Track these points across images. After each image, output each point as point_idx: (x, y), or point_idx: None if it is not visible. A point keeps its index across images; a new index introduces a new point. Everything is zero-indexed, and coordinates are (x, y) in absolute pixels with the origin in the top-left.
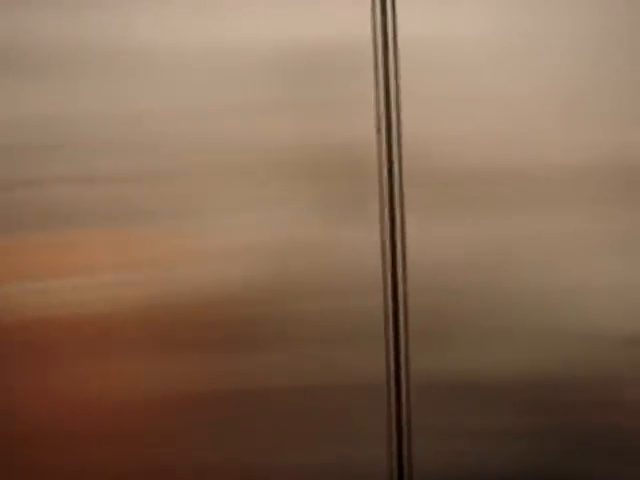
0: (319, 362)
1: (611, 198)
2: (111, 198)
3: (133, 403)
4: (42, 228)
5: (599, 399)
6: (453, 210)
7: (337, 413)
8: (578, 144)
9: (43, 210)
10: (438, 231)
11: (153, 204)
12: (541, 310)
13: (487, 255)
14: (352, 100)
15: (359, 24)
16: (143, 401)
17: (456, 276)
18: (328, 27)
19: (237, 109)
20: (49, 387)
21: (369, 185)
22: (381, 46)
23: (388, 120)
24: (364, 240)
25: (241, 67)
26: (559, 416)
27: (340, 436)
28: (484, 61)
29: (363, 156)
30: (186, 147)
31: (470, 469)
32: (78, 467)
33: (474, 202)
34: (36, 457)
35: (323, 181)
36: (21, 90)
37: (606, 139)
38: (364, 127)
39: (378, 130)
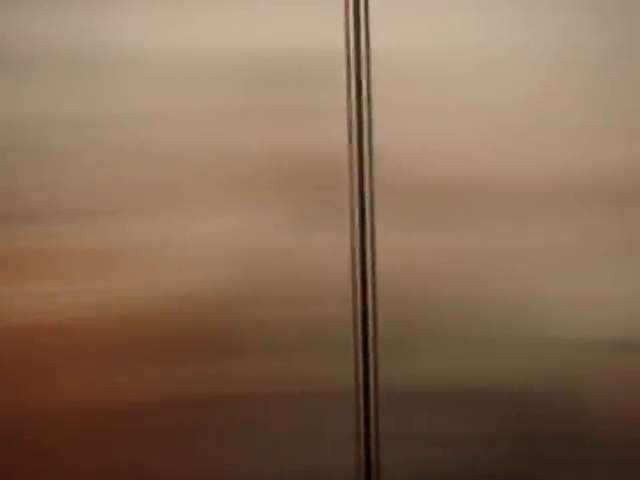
0: (289, 369)
1: (584, 210)
2: (87, 203)
3: (107, 409)
4: (20, 234)
5: (570, 408)
6: (423, 220)
7: (306, 420)
8: (550, 157)
9: (22, 215)
10: (408, 240)
11: (126, 210)
12: (509, 320)
13: (456, 265)
14: (325, 109)
15: (332, 33)
16: (114, 407)
17: (425, 285)
18: (302, 36)
19: (209, 116)
20: (25, 393)
21: (340, 193)
22: (354, 56)
23: (360, 129)
24: (335, 248)
25: (215, 75)
26: (527, 425)
27: (308, 443)
28: (456, 73)
29: (335, 165)
30: (158, 154)
31: (437, 477)
32: (53, 471)
33: (444, 212)
34: (14, 461)
35: (294, 189)
36: (8, 90)
37: (580, 152)
38: (336, 136)
39: (350, 140)
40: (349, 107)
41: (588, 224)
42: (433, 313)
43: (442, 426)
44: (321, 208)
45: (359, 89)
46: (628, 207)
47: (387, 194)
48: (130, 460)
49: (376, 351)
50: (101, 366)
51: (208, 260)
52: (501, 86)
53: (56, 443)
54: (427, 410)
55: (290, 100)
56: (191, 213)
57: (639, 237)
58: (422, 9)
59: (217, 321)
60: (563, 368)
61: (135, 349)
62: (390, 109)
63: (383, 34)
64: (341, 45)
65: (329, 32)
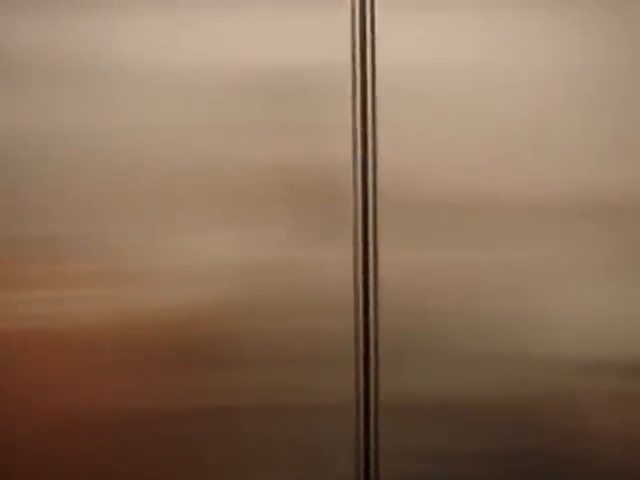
0: (290, 381)
1: (585, 227)
2: (85, 212)
3: (107, 419)
4: (15, 241)
5: (566, 424)
6: (425, 234)
7: (306, 432)
8: (552, 174)
9: (18, 222)
10: (410, 254)
11: (127, 220)
12: (510, 335)
13: (457, 280)
14: (330, 124)
15: (338, 50)
16: (108, 416)
17: (427, 299)
18: (308, 52)
19: (214, 131)
20: (23, 399)
21: (344, 208)
22: (359, 72)
23: (364, 145)
24: (338, 261)
25: (220, 90)
26: (526, 440)
27: (308, 455)
28: (460, 90)
29: (339, 179)
30: (162, 165)
31: None
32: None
33: (446, 227)
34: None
35: (298, 202)
36: (8, 100)
37: (582, 169)
38: (341, 151)
39: (354, 155)
40: (354, 123)
41: (589, 241)
42: (434, 327)
43: (441, 440)
44: (324, 222)
45: (364, 105)
46: (628, 224)
47: (390, 209)
48: (128, 469)
49: (377, 364)
50: (101, 376)
51: (211, 272)
52: (504, 104)
53: (55, 450)
54: (427, 424)
55: (295, 115)
56: (194, 225)
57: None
58: (427, 27)
59: (219, 333)
60: (564, 385)
61: (135, 360)
62: (394, 125)
63: (388, 51)
64: (347, 61)
65: (335, 48)
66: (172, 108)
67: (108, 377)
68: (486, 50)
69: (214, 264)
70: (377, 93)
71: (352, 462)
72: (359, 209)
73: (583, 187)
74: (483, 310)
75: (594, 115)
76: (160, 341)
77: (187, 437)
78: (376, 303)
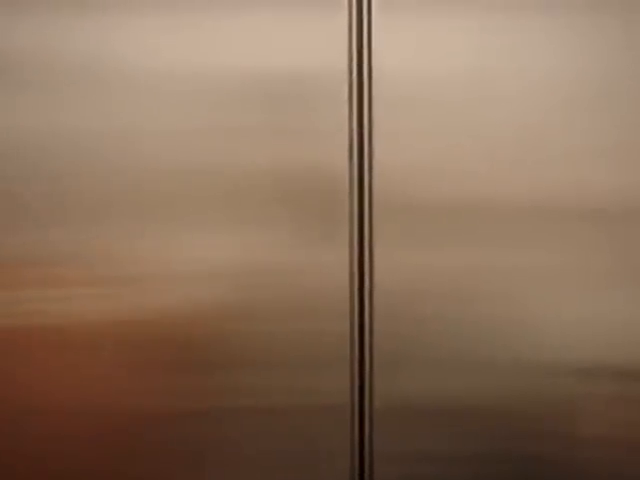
0: (286, 383)
1: (579, 233)
2: (85, 214)
3: (99, 418)
4: (15, 243)
5: (562, 430)
6: (421, 239)
7: (300, 434)
8: (549, 180)
9: (16, 222)
10: (406, 259)
11: (125, 222)
12: (505, 340)
13: (453, 284)
14: (327, 129)
15: (335, 55)
16: (108, 417)
17: (422, 304)
18: (305, 57)
19: (211, 135)
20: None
21: (340, 212)
22: (356, 77)
23: (360, 149)
24: (334, 265)
25: (218, 92)
26: (521, 445)
27: (302, 458)
28: (459, 96)
29: (336, 183)
30: (161, 168)
31: None
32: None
33: (442, 232)
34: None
35: (295, 206)
36: (7, 102)
37: (579, 175)
38: (337, 155)
39: (350, 159)
40: (350, 127)
41: (587, 246)
42: (430, 331)
43: (436, 444)
44: (321, 225)
45: (361, 110)
46: (627, 230)
47: (386, 213)
48: (126, 469)
49: (372, 368)
50: (100, 377)
51: (207, 275)
52: (502, 109)
53: (55, 451)
54: (422, 428)
55: (293, 119)
56: (191, 228)
57: (637, 261)
58: (424, 32)
59: (216, 335)
60: (560, 390)
61: (133, 361)
62: (391, 130)
63: (385, 56)
64: (344, 66)
65: (332, 53)
66: (171, 111)
67: (107, 378)
68: (484, 55)
69: (211, 267)
70: (374, 98)
71: (348, 465)
72: (355, 213)
73: (580, 192)
74: (479, 315)
75: (593, 120)
76: (158, 343)
77: (183, 438)
78: (371, 307)
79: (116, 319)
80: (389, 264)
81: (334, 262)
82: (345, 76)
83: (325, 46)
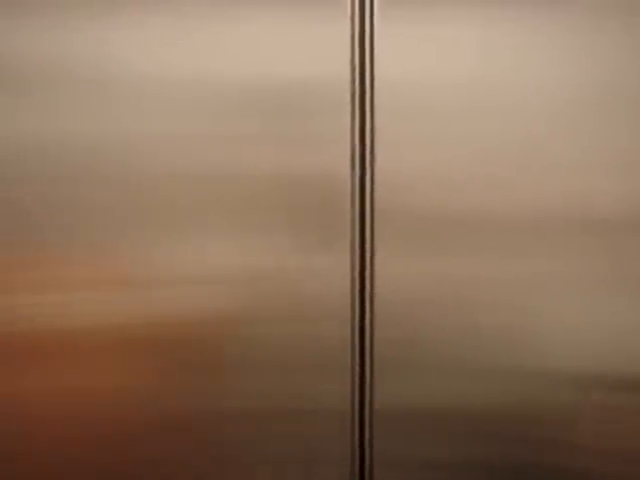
0: (284, 389)
1: (582, 242)
2: (88, 219)
3: (99, 419)
4: (20, 244)
5: (561, 437)
6: (422, 247)
7: (300, 438)
8: (550, 189)
9: (21, 227)
10: (407, 266)
11: (124, 227)
12: (504, 347)
13: (453, 292)
14: (328, 137)
15: (338, 63)
16: (107, 418)
17: (422, 310)
18: (307, 65)
19: (213, 142)
20: (22, 398)
21: (341, 219)
22: (358, 86)
23: (362, 158)
24: (334, 271)
25: (220, 100)
26: (520, 452)
27: (301, 461)
28: (460, 104)
29: (336, 191)
30: (163, 174)
31: None
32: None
33: (443, 240)
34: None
35: (296, 213)
36: (7, 108)
37: (579, 185)
38: (339, 163)
39: (352, 167)
40: (352, 135)
41: (588, 255)
42: (430, 338)
43: (435, 450)
44: (322, 232)
45: (362, 118)
46: (628, 239)
47: (388, 220)
48: (124, 470)
49: (372, 373)
50: (102, 380)
51: (208, 280)
52: (504, 118)
53: (62, 455)
54: (421, 434)
55: (294, 127)
56: (192, 235)
57: (636, 270)
58: (427, 41)
59: (216, 339)
60: (559, 398)
61: (133, 364)
62: (392, 138)
63: (388, 65)
64: (346, 75)
65: (334, 62)
66: (173, 118)
67: (107, 382)
68: (486, 64)
69: (212, 272)
70: (376, 106)
71: (348, 470)
72: (356, 220)
73: (583, 201)
74: (479, 322)
75: (596, 129)
76: (157, 347)
77: (177, 439)
78: (372, 313)
79: (114, 323)
80: (390, 271)
81: (335, 268)
82: (347, 85)
83: (327, 54)
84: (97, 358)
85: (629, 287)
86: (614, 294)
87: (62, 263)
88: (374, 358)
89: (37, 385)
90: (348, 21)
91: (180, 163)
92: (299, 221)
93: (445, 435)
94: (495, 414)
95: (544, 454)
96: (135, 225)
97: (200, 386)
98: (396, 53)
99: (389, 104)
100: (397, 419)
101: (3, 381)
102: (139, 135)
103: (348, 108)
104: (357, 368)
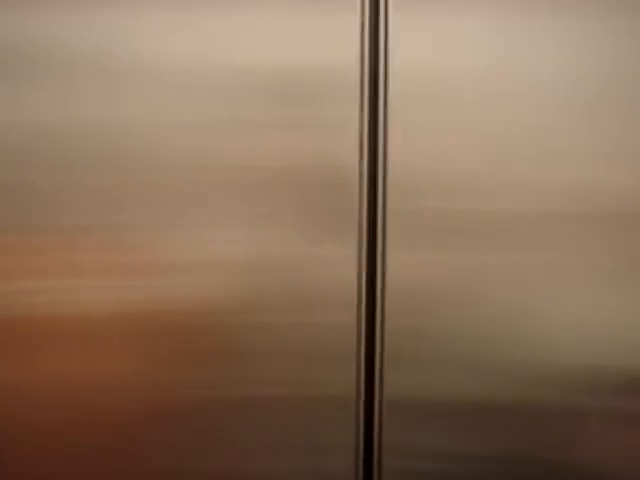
0: (291, 375)
1: (589, 234)
2: (96, 205)
3: (103, 408)
4: (28, 230)
5: (569, 429)
6: (433, 236)
7: (306, 426)
8: (562, 179)
9: (29, 212)
10: (416, 255)
11: (136, 214)
12: (513, 338)
13: (463, 281)
14: (338, 123)
15: (349, 50)
16: (111, 406)
17: (432, 301)
18: (319, 51)
19: (221, 129)
20: (27, 385)
21: (350, 206)
22: (369, 72)
23: (373, 144)
24: (342, 259)
25: (229, 87)
26: (530, 443)
27: (307, 448)
28: (473, 94)
29: (346, 178)
30: (170, 161)
31: None
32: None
33: (455, 230)
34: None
35: (304, 199)
36: (11, 94)
37: (589, 177)
38: (349, 151)
39: (361, 155)
40: (361, 122)
41: (600, 247)
42: (439, 328)
43: (445, 440)
44: (330, 220)
45: (374, 106)
46: (633, 230)
47: (397, 210)
48: (130, 460)
49: (382, 363)
50: (103, 367)
51: (215, 267)
52: (516, 107)
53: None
54: (430, 422)
55: (304, 114)
56: (200, 221)
57: None
58: (439, 28)
59: (222, 326)
60: (568, 389)
61: (135, 352)
62: (403, 126)
63: (399, 52)
64: (357, 62)
65: (346, 49)
66: (180, 105)
67: (112, 370)
68: (499, 53)
69: (218, 259)
70: (388, 94)
71: (353, 457)
72: (364, 208)
73: (595, 193)
74: (490, 312)
75: (611, 119)
76: (163, 335)
77: (184, 428)
78: (383, 302)
79: (117, 311)
80: (399, 259)
81: (343, 257)
82: (358, 71)
83: (339, 41)
84: (99, 345)
85: (638, 279)
86: (625, 286)
87: (64, 249)
88: (384, 348)
89: (39, 372)
90: (360, 7)
91: (187, 150)
92: (307, 209)
93: (454, 426)
94: (506, 405)
95: (553, 447)
96: (140, 213)
97: (205, 374)
98: (408, 40)
99: (401, 92)
100: (405, 408)
101: (5, 367)
102: (144, 122)
103: (358, 95)
104: (363, 356)
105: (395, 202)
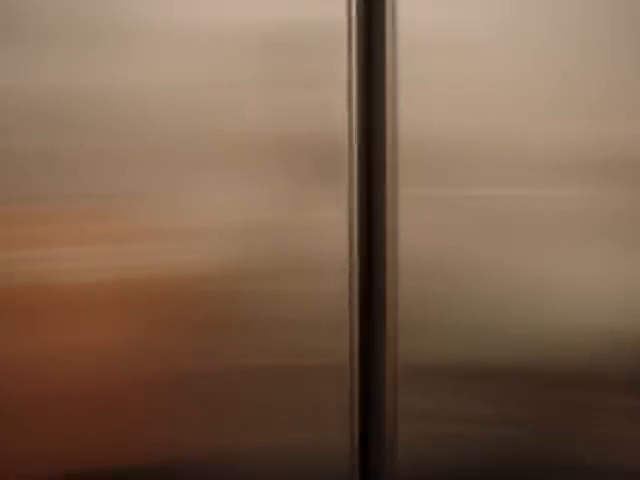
0: (282, 343)
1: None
2: (83, 171)
3: (103, 377)
4: (28, 198)
5: (584, 392)
6: (440, 195)
7: (298, 392)
8: (579, 130)
9: (30, 180)
10: (412, 219)
11: (123, 181)
12: (529, 299)
13: (470, 243)
14: (328, 83)
15: (338, 6)
16: (109, 375)
17: (434, 264)
18: (306, 8)
19: (210, 89)
20: (28, 354)
21: (341, 171)
22: (355, 28)
23: (368, 105)
24: (333, 223)
25: (214, 48)
26: (543, 406)
27: (301, 416)
28: (484, 46)
29: (335, 140)
30: (159, 127)
31: (441, 456)
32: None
33: (464, 185)
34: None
35: (294, 163)
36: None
37: (606, 127)
38: (338, 110)
39: (350, 114)
40: (349, 81)
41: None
42: (446, 293)
43: (451, 404)
44: (320, 183)
45: (368, 62)
46: None
47: (395, 170)
48: (125, 430)
49: (386, 328)
50: (105, 338)
51: (205, 232)
52: (529, 57)
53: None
54: (431, 388)
55: (294, 73)
56: (188, 186)
57: None
58: None
59: (213, 293)
60: (587, 354)
61: (128, 322)
62: (404, 79)
63: (407, 4)
64: (345, 17)
65: (335, 6)
66: (167, 68)
67: (107, 338)
68: (511, 6)
69: (207, 225)
70: (387, 49)
71: (347, 426)
72: (354, 170)
73: (608, 143)
74: (500, 274)
75: (630, 70)
76: (154, 302)
77: (178, 398)
78: (394, 267)
79: (112, 279)
80: (407, 221)
81: (333, 220)
82: (345, 28)
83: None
84: (97, 314)
85: None
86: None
87: (67, 218)
88: (397, 311)
89: (36, 342)
90: None
91: (176, 114)
92: (299, 173)
93: (460, 390)
94: (522, 369)
95: (567, 410)
96: (130, 179)
97: (198, 342)
98: None
99: (403, 40)
100: (409, 373)
101: (6, 337)
102: (133, 85)
103: (345, 52)
104: (356, 323)
105: (391, 160)
